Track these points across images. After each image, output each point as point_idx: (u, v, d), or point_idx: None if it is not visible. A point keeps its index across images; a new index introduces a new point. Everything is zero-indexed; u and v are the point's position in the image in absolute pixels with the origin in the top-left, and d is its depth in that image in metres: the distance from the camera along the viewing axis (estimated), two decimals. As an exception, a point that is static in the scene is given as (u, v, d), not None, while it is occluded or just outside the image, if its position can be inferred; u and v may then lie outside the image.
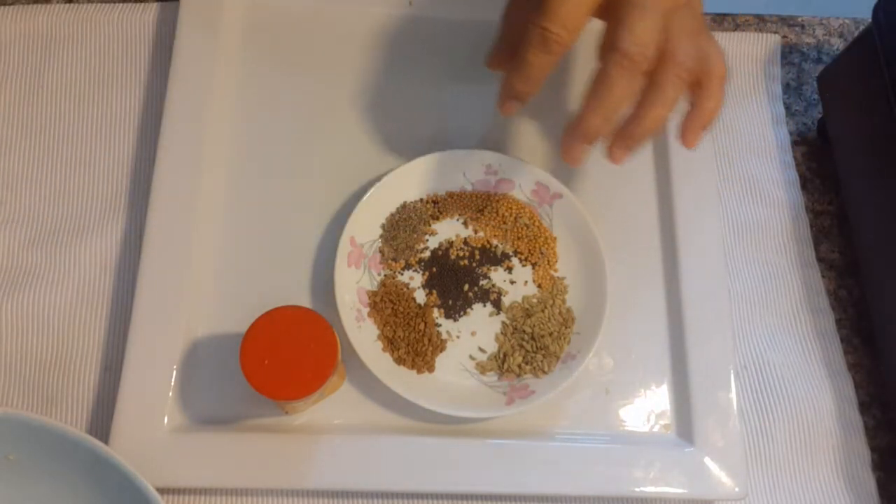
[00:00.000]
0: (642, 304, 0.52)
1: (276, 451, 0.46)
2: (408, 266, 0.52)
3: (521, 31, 0.41)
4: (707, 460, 0.47)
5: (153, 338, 0.47)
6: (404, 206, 0.53)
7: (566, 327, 0.50)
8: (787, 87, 0.62)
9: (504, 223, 0.53)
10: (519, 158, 0.53)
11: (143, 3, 0.58)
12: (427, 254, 0.52)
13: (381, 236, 0.52)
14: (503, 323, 0.51)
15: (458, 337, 0.50)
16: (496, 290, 0.51)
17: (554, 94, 0.58)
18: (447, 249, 0.52)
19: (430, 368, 0.49)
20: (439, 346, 0.50)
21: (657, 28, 0.40)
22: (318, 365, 0.42)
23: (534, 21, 0.39)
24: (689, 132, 0.45)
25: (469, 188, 0.54)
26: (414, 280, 0.51)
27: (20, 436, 0.42)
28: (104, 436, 0.46)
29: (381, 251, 0.52)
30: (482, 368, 0.50)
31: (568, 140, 0.43)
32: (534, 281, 0.52)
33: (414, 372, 0.49)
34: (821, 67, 0.62)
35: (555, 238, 0.53)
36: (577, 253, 0.52)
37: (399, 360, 0.49)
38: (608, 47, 0.40)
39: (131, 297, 0.48)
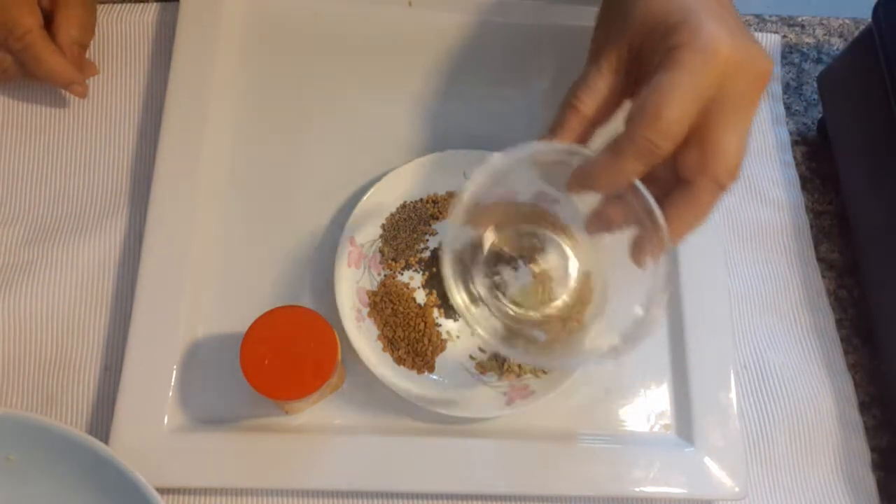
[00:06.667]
0: (642, 304, 0.52)
1: (276, 451, 0.46)
2: (408, 266, 0.52)
3: (596, 120, 0.39)
4: (707, 460, 0.47)
5: (153, 338, 0.48)
6: (404, 206, 0.53)
7: (566, 327, 0.50)
8: (787, 87, 0.62)
9: (504, 223, 0.53)
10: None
11: (143, 3, 0.58)
12: (427, 254, 0.52)
13: (381, 236, 0.52)
14: (503, 323, 0.51)
15: (458, 337, 0.50)
16: (496, 290, 0.51)
17: (554, 95, 0.57)
18: (447, 249, 0.52)
19: (430, 368, 0.49)
20: (439, 346, 0.50)
21: (745, 144, 0.37)
22: (318, 365, 0.42)
23: (639, 130, 0.36)
24: (645, 250, 0.40)
25: (469, 188, 0.54)
26: (414, 280, 0.51)
27: (20, 436, 0.42)
28: (104, 436, 0.46)
29: (381, 251, 0.52)
30: (482, 368, 0.50)
31: (644, 255, 0.40)
32: (534, 281, 0.52)
33: (414, 372, 0.49)
34: (821, 67, 0.62)
35: (555, 238, 0.53)
36: (577, 253, 0.52)
37: (399, 360, 0.49)
38: (699, 169, 0.37)
39: (131, 297, 0.48)
